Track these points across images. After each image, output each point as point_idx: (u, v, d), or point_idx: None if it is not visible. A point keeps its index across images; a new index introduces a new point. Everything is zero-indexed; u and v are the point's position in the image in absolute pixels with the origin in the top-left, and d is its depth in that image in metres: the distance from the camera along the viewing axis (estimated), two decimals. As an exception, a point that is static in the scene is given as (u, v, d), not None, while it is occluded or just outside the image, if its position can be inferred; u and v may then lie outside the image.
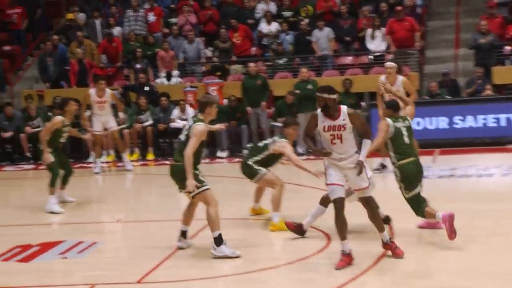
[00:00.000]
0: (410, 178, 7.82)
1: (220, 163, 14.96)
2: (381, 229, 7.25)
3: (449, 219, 7.44)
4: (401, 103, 8.53)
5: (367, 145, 7.02)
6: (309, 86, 15.54)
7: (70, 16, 19.52)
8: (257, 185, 9.06)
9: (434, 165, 12.97)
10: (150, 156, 15.49)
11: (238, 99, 16.04)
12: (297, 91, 15.46)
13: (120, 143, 14.49)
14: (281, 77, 17.33)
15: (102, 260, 7.89)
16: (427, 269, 7.14)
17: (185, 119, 14.92)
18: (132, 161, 14.55)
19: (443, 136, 14.99)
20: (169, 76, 17.71)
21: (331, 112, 6.97)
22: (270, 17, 18.27)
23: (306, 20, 17.90)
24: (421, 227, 8.32)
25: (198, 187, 7.51)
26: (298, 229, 8.21)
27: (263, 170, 8.74)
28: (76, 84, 17.55)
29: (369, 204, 7.21)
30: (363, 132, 7.09)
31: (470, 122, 15.02)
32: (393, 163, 7.90)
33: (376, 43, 17.10)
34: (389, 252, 7.30)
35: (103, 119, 13.93)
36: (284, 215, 8.68)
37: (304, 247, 7.81)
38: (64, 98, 11.29)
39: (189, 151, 7.43)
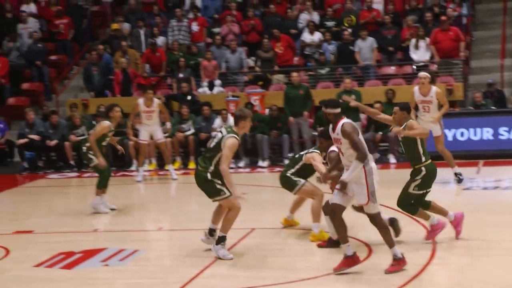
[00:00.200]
0: (432, 179, 8.11)
1: (261, 173, 14.98)
2: (390, 245, 7.20)
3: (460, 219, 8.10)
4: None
5: (354, 166, 7.03)
6: (352, 97, 15.43)
7: (115, 26, 19.72)
8: (297, 196, 9.03)
9: (478, 177, 12.87)
10: (192, 165, 15.54)
11: (280, 109, 16.03)
12: (340, 101, 15.33)
13: (166, 154, 14.54)
14: (323, 87, 17.28)
15: (143, 268, 7.92)
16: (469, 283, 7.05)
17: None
18: (174, 170, 14.63)
19: (488, 147, 14.80)
20: (211, 86, 17.80)
21: (333, 125, 7.23)
22: (313, 27, 18.25)
23: (349, 30, 17.88)
24: (428, 238, 8.32)
25: (221, 195, 7.88)
26: (331, 244, 8.16)
27: (301, 181, 8.72)
28: (120, 93, 17.73)
29: (373, 221, 7.21)
30: (354, 152, 7.09)
31: (515, 133, 14.82)
32: (419, 163, 8.04)
33: (420, 53, 16.96)
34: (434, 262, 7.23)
35: (151, 129, 14.05)
36: (322, 224, 8.63)
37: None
38: (109, 105, 11.45)
39: (224, 165, 7.69)
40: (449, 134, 14.81)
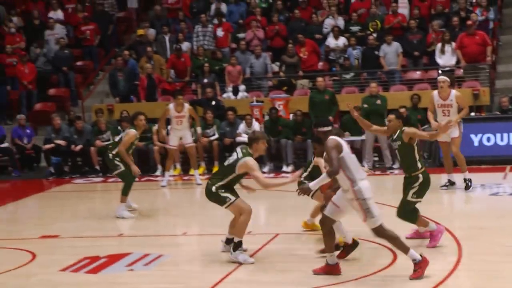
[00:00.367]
0: (428, 186, 8.26)
1: (285, 178, 14.95)
2: (405, 251, 7.16)
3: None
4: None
5: (321, 177, 7.20)
6: (378, 101, 15.46)
7: (140, 32, 19.87)
8: (317, 201, 8.99)
9: (504, 182, 12.78)
10: (216, 170, 15.58)
11: (304, 114, 16.02)
12: (365, 105, 15.35)
13: (194, 158, 14.53)
14: (347, 92, 17.29)
15: (168, 273, 7.96)
16: None
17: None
18: (199, 175, 14.66)
19: (515, 152, 14.66)
20: (236, 91, 17.88)
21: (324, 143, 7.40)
22: (338, 32, 18.26)
23: (374, 35, 17.87)
24: (410, 237, 8.44)
25: (227, 201, 8.01)
26: (348, 249, 8.05)
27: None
28: (145, 99, 17.85)
29: (377, 234, 7.20)
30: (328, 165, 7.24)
31: (543, 138, 14.67)
32: (415, 170, 8.16)
33: (446, 57, 16.86)
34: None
35: (181, 134, 14.12)
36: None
37: (370, 263, 7.78)
38: (134, 113, 11.56)
39: (264, 183, 7.91)
40: (475, 139, 14.74)
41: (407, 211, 8.25)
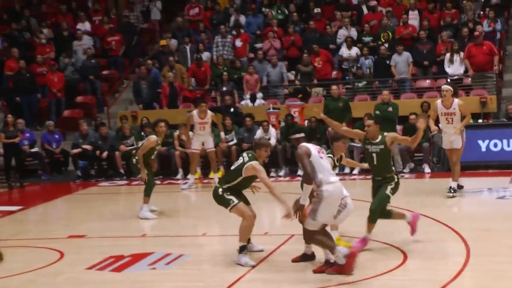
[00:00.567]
0: (398, 187, 8.51)
1: (299, 182, 15.30)
2: (331, 250, 7.45)
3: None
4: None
5: (304, 187, 7.38)
6: (390, 109, 15.79)
7: (163, 42, 20.17)
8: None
9: (511, 186, 12.84)
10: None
11: (318, 121, 16.20)
12: (377, 112, 15.60)
13: (214, 162, 14.94)
14: (360, 99, 17.53)
15: (188, 271, 8.06)
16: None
17: (268, 139, 15.53)
18: (218, 178, 15.11)
19: (521, 158, 14.76)
20: (253, 98, 18.19)
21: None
22: (351, 42, 18.53)
23: (385, 45, 18.10)
24: (413, 234, 8.62)
25: (230, 204, 8.07)
26: (306, 257, 8.14)
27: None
28: (167, 106, 18.16)
29: (304, 235, 7.51)
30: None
31: (548, 144, 14.76)
32: (390, 172, 8.43)
33: (454, 67, 17.12)
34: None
35: (203, 139, 14.56)
36: (346, 231, 8.83)
37: (380, 264, 7.82)
38: (155, 120, 11.92)
39: (270, 187, 7.85)
40: (483, 145, 14.90)
41: (383, 207, 8.30)
